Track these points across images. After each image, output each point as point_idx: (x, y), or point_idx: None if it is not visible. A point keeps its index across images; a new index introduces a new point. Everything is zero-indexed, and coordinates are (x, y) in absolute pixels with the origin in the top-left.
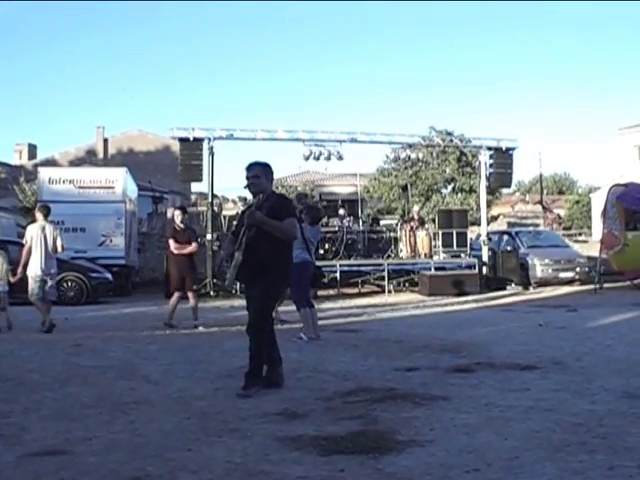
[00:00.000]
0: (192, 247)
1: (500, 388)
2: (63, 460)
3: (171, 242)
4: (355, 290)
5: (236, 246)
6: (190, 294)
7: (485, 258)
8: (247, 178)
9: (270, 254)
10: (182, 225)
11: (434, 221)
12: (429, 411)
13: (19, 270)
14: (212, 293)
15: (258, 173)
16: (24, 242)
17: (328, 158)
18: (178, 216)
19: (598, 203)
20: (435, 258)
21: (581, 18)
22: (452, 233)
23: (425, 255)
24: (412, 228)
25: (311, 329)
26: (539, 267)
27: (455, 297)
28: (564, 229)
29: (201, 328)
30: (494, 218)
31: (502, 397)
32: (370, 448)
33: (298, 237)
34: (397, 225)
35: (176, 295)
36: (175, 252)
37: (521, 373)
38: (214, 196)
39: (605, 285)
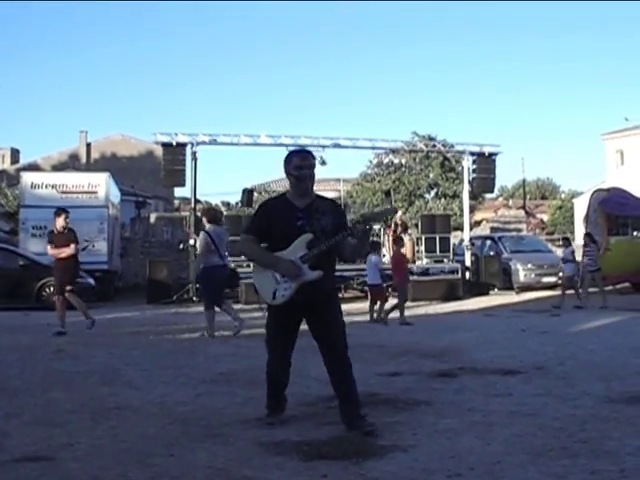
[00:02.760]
0: (69, 250)
1: (483, 393)
2: (45, 466)
3: (48, 247)
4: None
5: (303, 257)
6: (69, 296)
7: (468, 263)
8: (300, 168)
9: (333, 268)
10: (61, 228)
11: (417, 226)
12: (412, 416)
13: None
14: (195, 299)
15: (313, 163)
16: None
17: None
18: (57, 219)
19: (581, 208)
20: (418, 263)
21: (563, 23)
22: (435, 238)
23: (408, 260)
24: (395, 233)
25: (213, 329)
26: (522, 272)
27: (438, 302)
28: (547, 234)
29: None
30: (477, 223)
31: (485, 402)
32: (353, 453)
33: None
34: (380, 230)
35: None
36: (56, 256)
37: (504, 378)
38: (197, 201)
39: (588, 290)
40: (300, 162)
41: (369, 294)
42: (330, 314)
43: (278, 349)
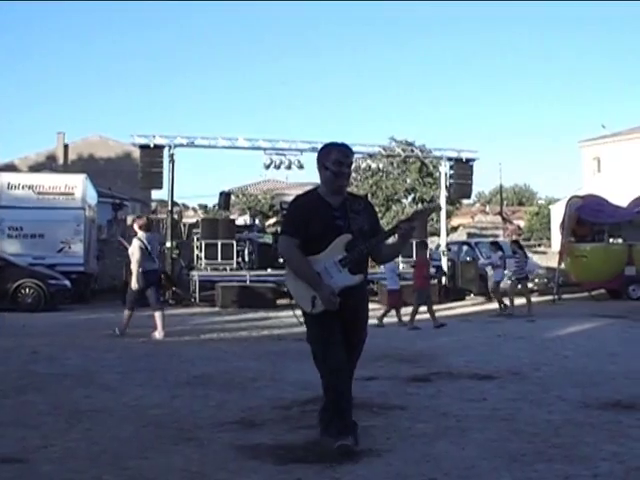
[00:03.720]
0: None
1: (458, 398)
2: (19, 468)
3: None
4: None
5: (342, 260)
6: None
7: (445, 268)
8: (340, 163)
9: (367, 270)
10: None
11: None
12: (387, 420)
13: None
14: (171, 301)
15: (352, 161)
16: None
17: (289, 167)
18: None
19: (557, 215)
20: None
21: (541, 31)
22: (411, 243)
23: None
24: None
25: (162, 328)
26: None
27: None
28: (523, 240)
29: None
30: (454, 229)
31: (460, 406)
32: (327, 457)
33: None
34: None
35: None
36: None
37: (479, 383)
38: (174, 204)
39: (563, 296)
40: (341, 158)
41: (388, 299)
42: (361, 319)
43: (331, 357)
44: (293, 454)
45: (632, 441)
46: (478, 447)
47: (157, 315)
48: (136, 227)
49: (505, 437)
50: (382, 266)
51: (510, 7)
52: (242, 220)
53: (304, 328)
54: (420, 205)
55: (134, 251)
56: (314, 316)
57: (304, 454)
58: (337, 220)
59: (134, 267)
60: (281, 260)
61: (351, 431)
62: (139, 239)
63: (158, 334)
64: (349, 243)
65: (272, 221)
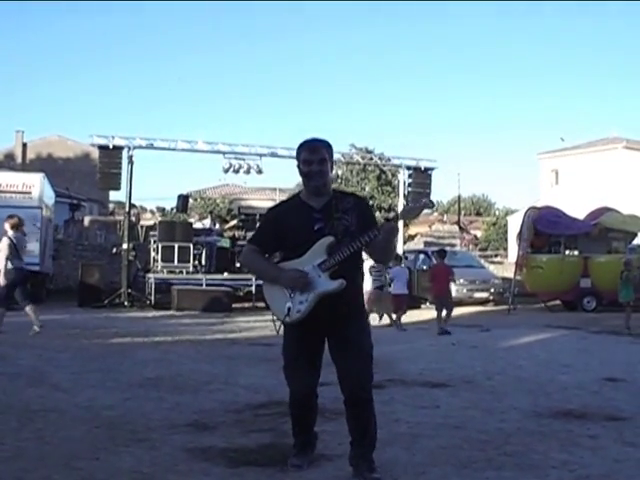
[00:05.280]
0: None
1: (410, 405)
2: None
3: None
4: None
5: (322, 264)
6: None
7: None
8: (308, 162)
9: (360, 279)
10: None
11: None
12: (339, 425)
13: None
14: (126, 303)
15: (326, 156)
16: None
17: (248, 171)
18: None
19: (514, 225)
20: None
21: (499, 40)
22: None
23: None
24: None
25: (36, 321)
26: (454, 287)
27: (369, 314)
28: (480, 250)
29: None
30: (411, 237)
31: (412, 413)
32: (279, 461)
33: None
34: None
35: None
36: None
37: (432, 390)
38: (132, 205)
39: (519, 306)
40: (308, 156)
41: (393, 303)
42: (354, 335)
43: (299, 375)
44: (245, 457)
45: (582, 450)
46: (429, 454)
47: (28, 309)
48: (7, 226)
49: (456, 444)
50: (389, 269)
51: (471, 14)
52: (201, 224)
53: (258, 333)
54: (378, 213)
55: (2, 248)
56: (291, 327)
57: (256, 457)
58: (317, 223)
59: (1, 264)
60: (238, 265)
61: (309, 448)
62: (9, 238)
63: (36, 327)
64: (331, 246)
65: (231, 224)
